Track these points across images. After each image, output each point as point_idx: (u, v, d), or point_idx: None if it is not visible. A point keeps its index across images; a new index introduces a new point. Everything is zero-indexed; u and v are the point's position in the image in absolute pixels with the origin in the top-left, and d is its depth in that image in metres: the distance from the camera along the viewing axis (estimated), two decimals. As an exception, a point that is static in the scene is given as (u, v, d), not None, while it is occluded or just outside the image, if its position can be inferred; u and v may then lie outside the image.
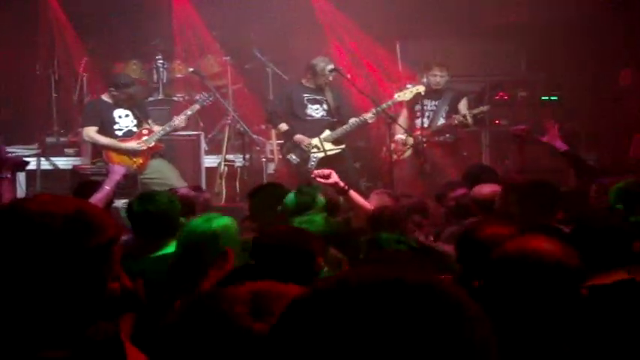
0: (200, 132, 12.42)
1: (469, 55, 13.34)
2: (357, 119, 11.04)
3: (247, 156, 11.77)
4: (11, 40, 13.06)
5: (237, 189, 11.64)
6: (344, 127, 11.09)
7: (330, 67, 11.03)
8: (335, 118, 11.16)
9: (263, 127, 12.61)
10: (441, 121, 11.50)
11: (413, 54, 13.30)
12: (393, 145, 11.01)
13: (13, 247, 2.13)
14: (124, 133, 11.06)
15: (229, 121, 12.12)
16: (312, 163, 10.91)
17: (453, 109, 11.60)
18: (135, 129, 11.12)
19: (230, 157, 12.07)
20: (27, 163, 7.70)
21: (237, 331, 2.04)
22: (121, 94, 11.06)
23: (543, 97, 12.93)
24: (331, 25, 13.63)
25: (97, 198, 7.18)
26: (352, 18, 13.50)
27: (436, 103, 11.61)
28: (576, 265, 3.12)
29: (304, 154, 11.03)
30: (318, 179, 6.94)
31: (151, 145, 11.04)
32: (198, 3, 13.51)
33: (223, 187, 11.69)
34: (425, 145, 11.18)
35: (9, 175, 6.68)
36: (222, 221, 4.96)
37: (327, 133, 11.06)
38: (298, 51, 12.71)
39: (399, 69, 13.41)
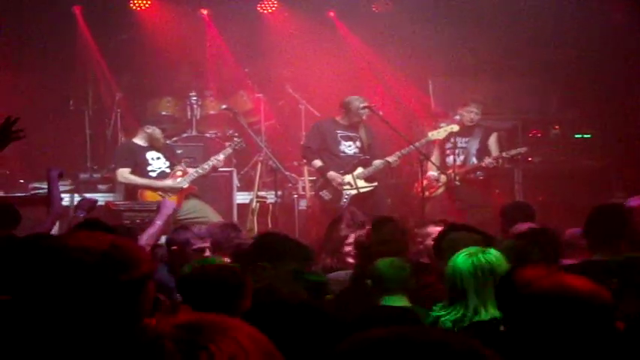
0: (232, 168, 12.42)
1: (500, 93, 13.31)
2: (381, 161, 11.05)
3: (279, 192, 11.77)
4: (45, 76, 13.16)
5: (269, 225, 11.61)
6: (371, 167, 11.09)
7: (364, 104, 11.04)
8: (367, 155, 11.17)
9: (295, 163, 12.62)
10: (473, 160, 11.45)
11: (445, 91, 13.30)
12: (425, 182, 10.98)
13: (50, 280, 2.16)
14: (157, 175, 11.07)
15: (261, 158, 12.11)
16: (345, 199, 10.91)
17: (484, 146, 11.56)
18: (168, 170, 11.12)
19: (262, 193, 12.04)
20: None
21: None
22: (153, 132, 11.09)
23: (577, 135, 12.88)
24: (363, 62, 13.64)
25: (150, 233, 7.21)
26: (384, 55, 13.52)
27: (467, 140, 11.57)
28: (609, 299, 3.08)
29: (336, 190, 11.03)
30: None
31: (184, 187, 11.05)
32: (230, 40, 13.58)
33: (255, 224, 11.66)
34: (458, 183, 11.15)
35: (82, 215, 6.91)
36: None
37: (359, 170, 11.06)
38: (331, 87, 12.73)
39: (432, 106, 13.39)
